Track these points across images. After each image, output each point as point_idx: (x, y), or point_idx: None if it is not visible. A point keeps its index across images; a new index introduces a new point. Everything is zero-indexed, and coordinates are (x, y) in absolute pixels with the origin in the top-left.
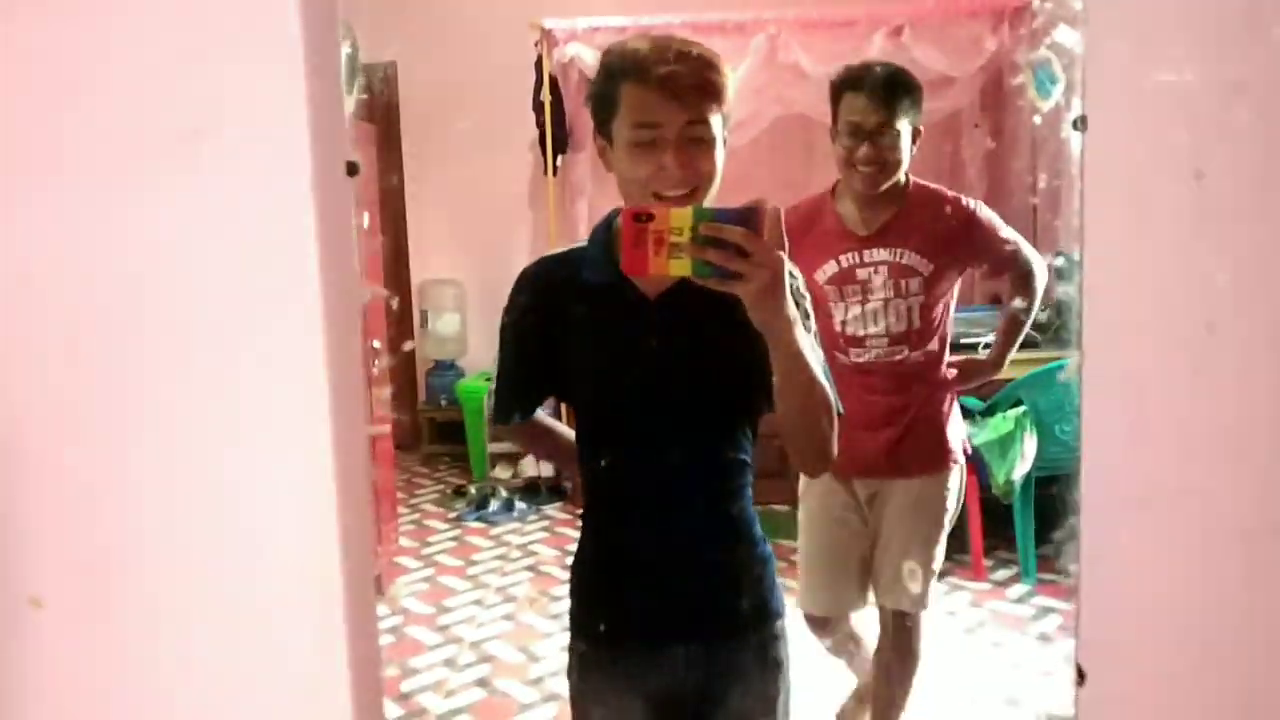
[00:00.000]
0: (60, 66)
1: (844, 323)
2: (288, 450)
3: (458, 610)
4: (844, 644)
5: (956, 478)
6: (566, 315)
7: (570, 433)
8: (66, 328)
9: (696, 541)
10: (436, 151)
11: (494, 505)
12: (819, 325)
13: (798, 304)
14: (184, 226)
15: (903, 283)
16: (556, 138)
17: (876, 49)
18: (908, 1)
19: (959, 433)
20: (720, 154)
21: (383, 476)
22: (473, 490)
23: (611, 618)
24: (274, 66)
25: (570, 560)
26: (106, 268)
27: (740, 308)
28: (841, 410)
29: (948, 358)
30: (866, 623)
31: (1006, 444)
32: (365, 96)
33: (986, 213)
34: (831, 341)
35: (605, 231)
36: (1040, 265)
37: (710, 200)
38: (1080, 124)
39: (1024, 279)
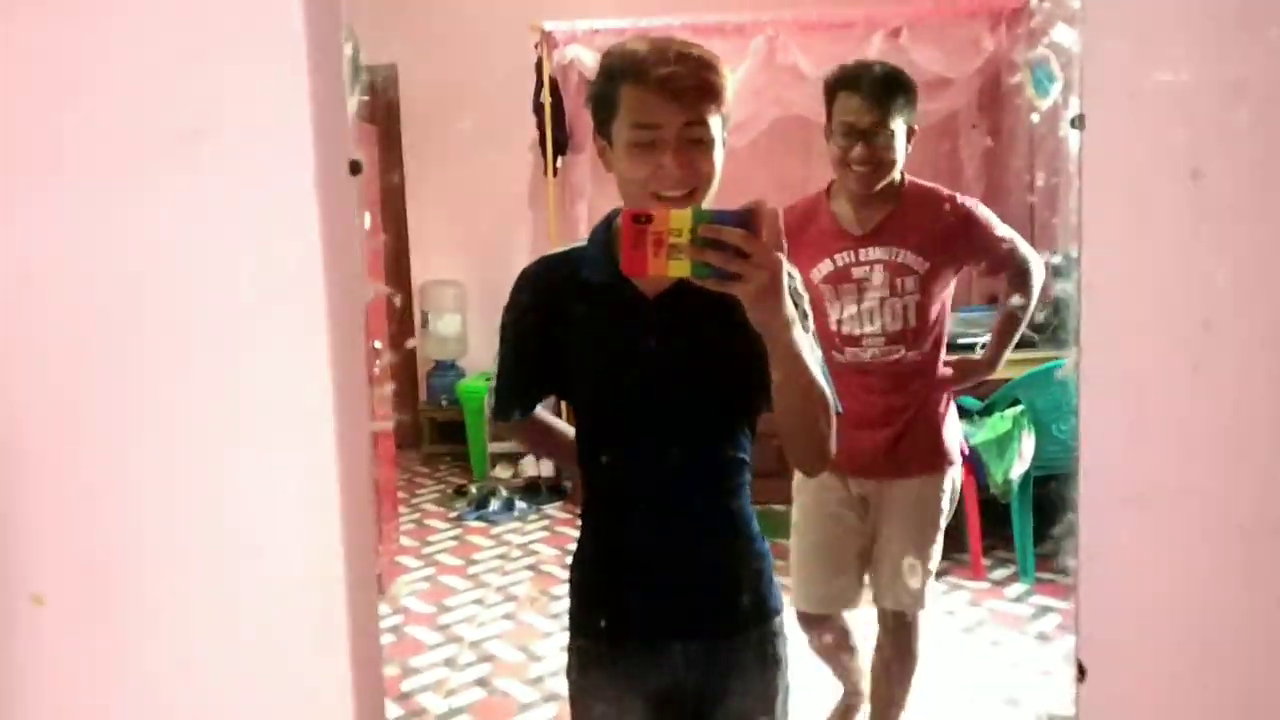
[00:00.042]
0: (62, 66)
1: (840, 322)
2: (290, 449)
3: (458, 610)
4: (837, 648)
5: (952, 478)
6: (566, 314)
7: (570, 430)
8: (68, 326)
9: (695, 539)
10: (437, 153)
11: (494, 505)
12: (815, 325)
13: (796, 304)
14: (187, 225)
15: (898, 281)
16: (556, 139)
17: (875, 50)
18: (906, 3)
19: (955, 433)
20: (719, 155)
21: (384, 476)
22: (473, 490)
23: (611, 615)
24: (277, 65)
25: (570, 559)
26: (108, 267)
27: (739, 308)
28: (840, 410)
29: (944, 357)
30: (861, 632)
31: (1004, 443)
32: (366, 98)
33: (983, 211)
34: (828, 341)
35: (605, 231)
36: (1037, 263)
37: (709, 201)
38: (1078, 123)
39: (1021, 277)
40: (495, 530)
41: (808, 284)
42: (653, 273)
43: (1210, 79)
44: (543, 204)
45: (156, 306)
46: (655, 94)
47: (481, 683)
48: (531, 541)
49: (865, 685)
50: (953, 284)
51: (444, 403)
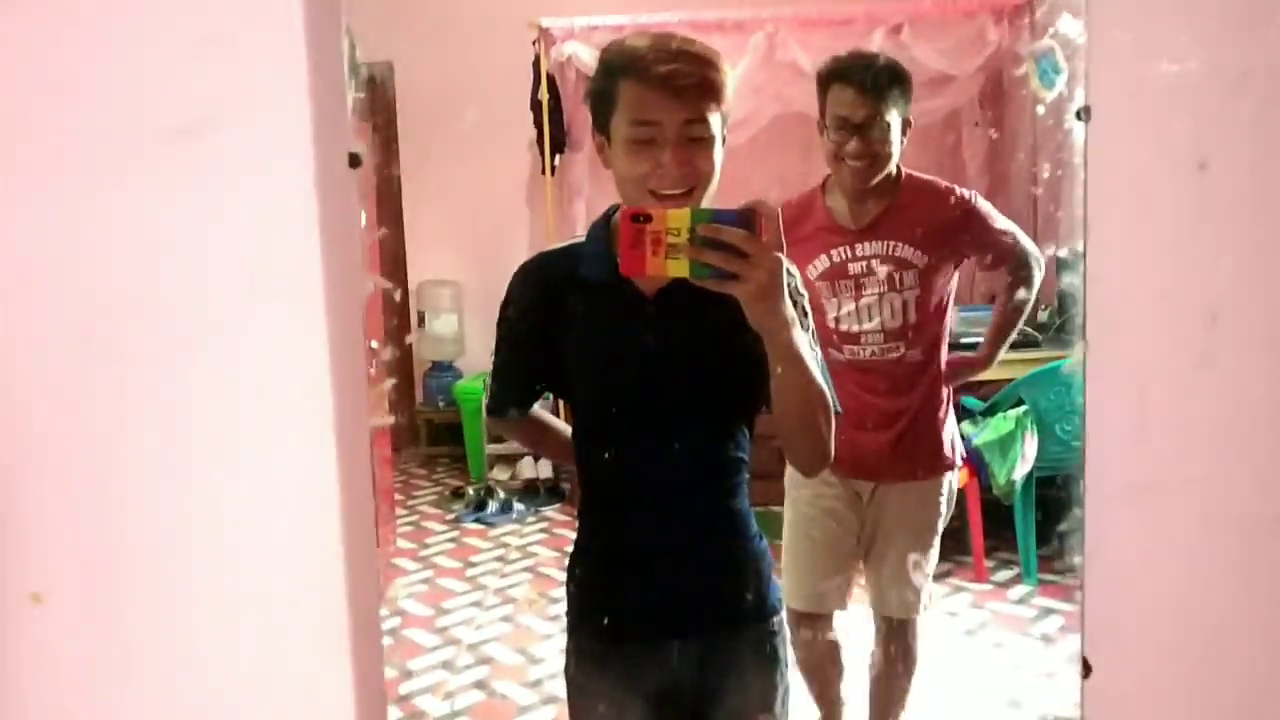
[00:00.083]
0: (62, 61)
1: (837, 319)
2: (290, 444)
3: (456, 612)
4: (823, 660)
5: (949, 482)
6: (564, 311)
7: (566, 429)
8: (67, 323)
9: (693, 537)
10: (434, 151)
11: (492, 507)
12: (813, 322)
13: (795, 303)
14: (186, 220)
15: (897, 276)
16: (554, 137)
17: (875, 47)
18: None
19: (955, 436)
20: (719, 153)
21: (380, 477)
22: (471, 492)
23: (609, 614)
24: (276, 58)
25: (568, 560)
26: (108, 262)
27: (739, 306)
28: (839, 409)
29: (945, 356)
30: (851, 649)
31: (1007, 444)
32: (362, 95)
33: (982, 203)
34: (826, 338)
35: (604, 228)
36: (1038, 256)
37: (708, 199)
38: (1084, 114)
39: (1021, 270)
40: (493, 532)
41: (804, 281)
42: (651, 272)
43: (1216, 70)
44: (540, 202)
45: (155, 302)
46: (655, 91)
47: (480, 685)
48: (530, 544)
49: (843, 716)
50: (954, 279)
51: (441, 404)
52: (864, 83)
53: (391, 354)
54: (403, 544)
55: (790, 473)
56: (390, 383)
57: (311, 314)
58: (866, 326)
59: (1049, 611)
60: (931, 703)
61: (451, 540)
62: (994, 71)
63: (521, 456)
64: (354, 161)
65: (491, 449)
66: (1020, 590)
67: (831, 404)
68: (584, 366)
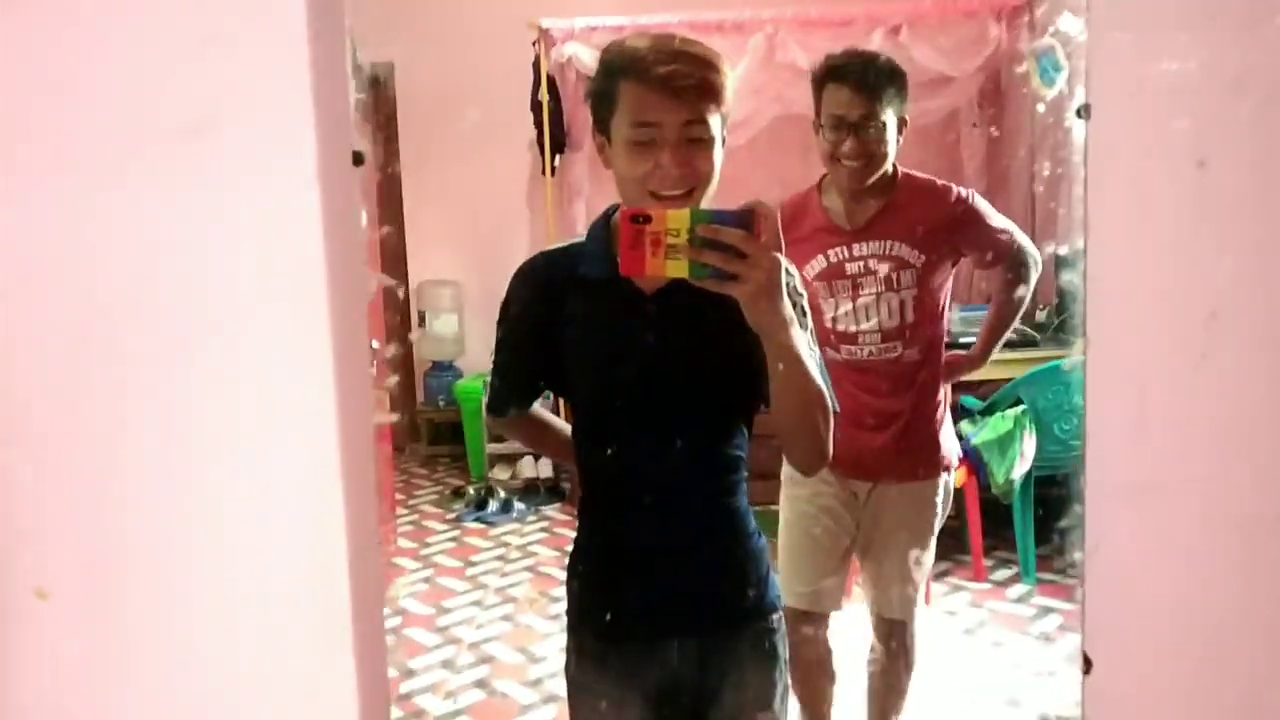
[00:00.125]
0: (62, 60)
1: (834, 319)
2: (293, 443)
3: (457, 611)
4: (815, 667)
5: (946, 483)
6: (564, 309)
7: (566, 428)
8: (70, 321)
9: (693, 536)
10: (434, 152)
11: (493, 506)
12: (811, 321)
13: (794, 302)
14: (188, 218)
15: (894, 276)
16: (554, 138)
17: (875, 48)
18: (906, 0)
19: (952, 438)
20: (719, 154)
21: (381, 477)
22: (471, 491)
23: (609, 613)
24: (278, 56)
25: (568, 558)
26: (109, 262)
27: (738, 306)
28: (838, 408)
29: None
30: (846, 653)
31: (1006, 443)
32: (363, 96)
33: (979, 201)
34: (823, 338)
35: (604, 227)
36: (1035, 254)
37: (708, 200)
38: (1084, 112)
39: (1018, 268)
40: (494, 532)
41: (801, 281)
42: (650, 273)
43: (1216, 69)
44: (540, 203)
45: (157, 300)
46: (655, 92)
47: (481, 684)
48: (530, 543)
49: None
50: (951, 278)
51: (441, 404)
52: (859, 82)
53: (395, 350)
54: (403, 543)
55: (788, 471)
56: (394, 380)
57: (315, 311)
58: (864, 326)
59: (1048, 610)
60: (931, 702)
61: (452, 539)
62: (992, 72)
63: (522, 456)
64: (357, 159)
65: (492, 448)
66: (1019, 589)
67: (830, 403)
68: (584, 365)
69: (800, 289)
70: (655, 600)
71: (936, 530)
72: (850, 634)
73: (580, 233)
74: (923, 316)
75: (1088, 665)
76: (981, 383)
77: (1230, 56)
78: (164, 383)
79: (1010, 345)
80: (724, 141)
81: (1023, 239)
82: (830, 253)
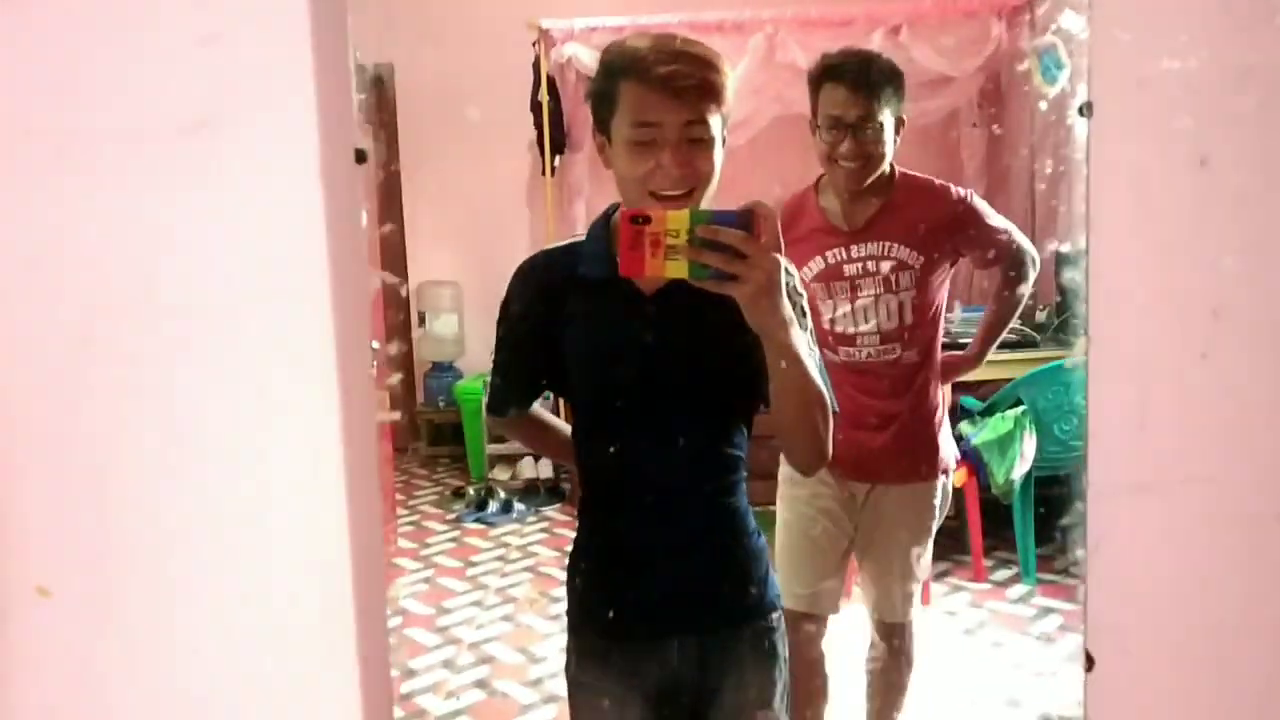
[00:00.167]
0: (64, 58)
1: (833, 320)
2: (295, 441)
3: (457, 611)
4: (807, 674)
5: (943, 485)
6: (564, 308)
7: (566, 428)
8: (75, 316)
9: (693, 535)
10: (434, 152)
11: (493, 506)
12: (810, 322)
13: (794, 302)
14: (191, 215)
15: (893, 277)
16: (554, 138)
17: (874, 47)
18: (906, 0)
19: (950, 440)
20: (719, 154)
21: (382, 477)
22: (471, 491)
23: (608, 610)
24: (281, 54)
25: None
26: (114, 256)
27: (737, 306)
28: (837, 408)
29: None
30: (840, 659)
31: (1006, 443)
32: (363, 96)
33: (978, 201)
34: (821, 340)
35: (604, 226)
36: (1033, 254)
37: (708, 200)
38: (1086, 110)
39: (1017, 268)
40: (494, 532)
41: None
42: (650, 274)
43: (1218, 66)
44: (540, 203)
45: (161, 296)
46: (656, 92)
47: (481, 684)
48: (530, 543)
49: None
50: (949, 279)
51: (441, 404)
52: (856, 81)
53: (397, 349)
54: (403, 544)
55: (786, 472)
56: (397, 378)
57: (317, 310)
58: (863, 328)
59: (1048, 611)
60: (930, 702)
61: (452, 540)
62: (993, 72)
63: (522, 456)
64: (360, 157)
65: (492, 449)
66: (1019, 589)
67: (830, 403)
68: (584, 365)
69: (800, 289)
70: (655, 599)
71: (934, 532)
72: (849, 636)
73: (580, 233)
74: (921, 318)
75: (1090, 663)
76: (981, 383)
77: (1232, 54)
78: (165, 382)
79: (1010, 345)
80: (724, 141)
81: (1021, 239)
82: (828, 254)
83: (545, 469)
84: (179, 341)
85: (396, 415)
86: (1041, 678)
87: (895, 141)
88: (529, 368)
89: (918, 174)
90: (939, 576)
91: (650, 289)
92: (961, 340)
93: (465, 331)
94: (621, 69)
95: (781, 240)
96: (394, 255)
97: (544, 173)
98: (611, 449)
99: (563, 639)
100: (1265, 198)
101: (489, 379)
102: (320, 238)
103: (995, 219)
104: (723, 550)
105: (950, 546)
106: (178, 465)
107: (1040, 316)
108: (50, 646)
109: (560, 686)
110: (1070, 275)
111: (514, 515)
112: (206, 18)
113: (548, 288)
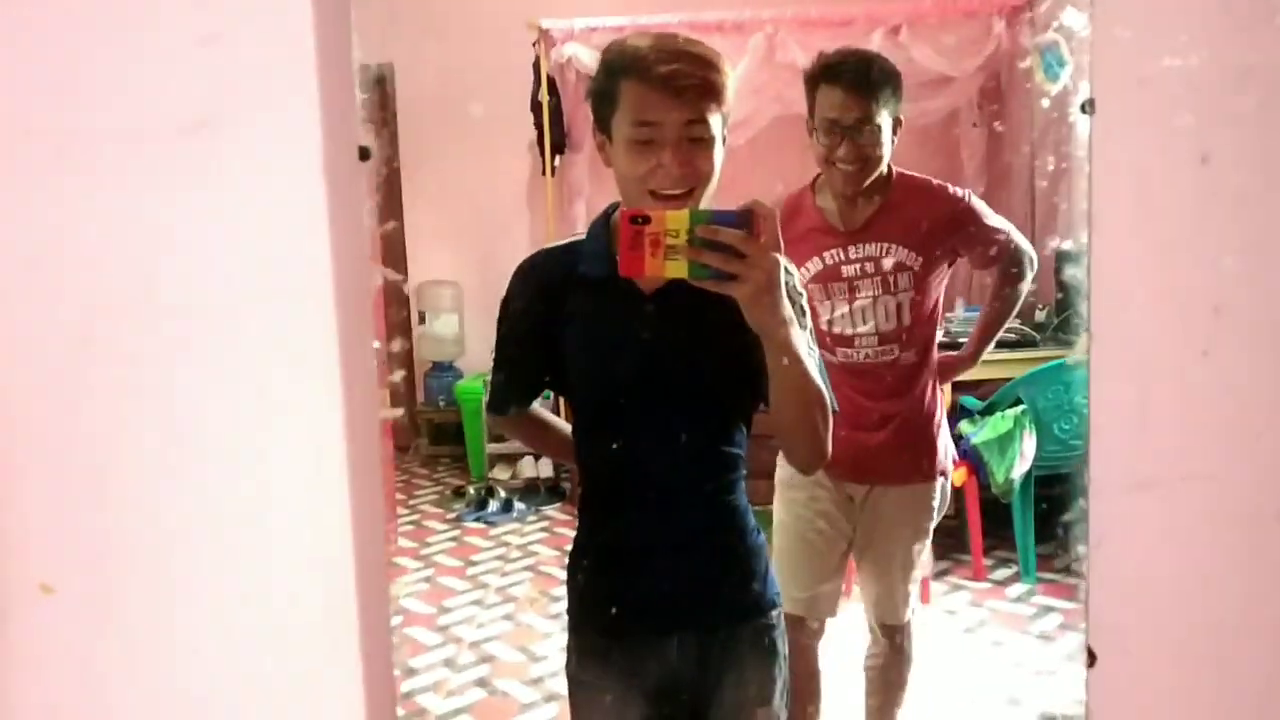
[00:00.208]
0: (64, 57)
1: (830, 322)
2: (298, 439)
3: (457, 610)
4: (801, 681)
5: (941, 486)
6: (564, 307)
7: (566, 427)
8: (76, 316)
9: (693, 533)
10: (434, 152)
11: (493, 506)
12: (810, 321)
13: (794, 302)
14: (193, 214)
15: (891, 279)
16: (554, 138)
17: (874, 47)
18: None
19: (948, 441)
20: (719, 154)
21: (382, 476)
22: (472, 491)
23: (609, 608)
24: (284, 51)
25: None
26: (115, 256)
27: (737, 305)
28: (837, 408)
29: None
30: (836, 664)
31: (1005, 443)
32: (366, 95)
33: (976, 201)
34: (819, 341)
35: (604, 225)
36: (1031, 254)
37: (708, 200)
38: (1088, 107)
39: (1014, 267)
40: (494, 531)
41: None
42: (649, 274)
43: (1220, 64)
44: (540, 203)
45: (162, 296)
46: (657, 91)
47: (481, 683)
48: (530, 542)
49: None
50: (946, 279)
51: (441, 404)
52: (853, 83)
53: (400, 346)
54: (404, 543)
55: (783, 474)
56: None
57: (320, 307)
58: (861, 329)
59: (1048, 609)
60: (930, 701)
61: (452, 539)
62: (993, 72)
63: (522, 456)
64: (363, 155)
65: (492, 448)
66: (1019, 588)
67: (829, 403)
68: (583, 364)
69: (799, 288)
70: (656, 597)
71: (931, 533)
72: (848, 636)
73: (580, 232)
74: (919, 318)
75: (1092, 659)
76: (981, 382)
77: (1234, 52)
78: (166, 381)
79: (1010, 345)
80: (724, 141)
81: (1019, 238)
82: (826, 255)
83: (545, 468)
84: (180, 341)
85: (399, 412)
86: (1041, 676)
87: (893, 142)
88: (529, 366)
89: (915, 174)
90: (939, 575)
91: (650, 288)
92: (964, 339)
93: (465, 331)
94: (622, 68)
95: (781, 240)
96: (394, 254)
97: (544, 172)
98: (612, 448)
99: (563, 638)
100: (1266, 196)
101: (489, 378)
102: (323, 235)
103: (993, 218)
104: (723, 548)
105: (950, 545)
106: (179, 464)
107: (1040, 316)
108: (51, 645)
109: (561, 685)
110: (1071, 272)
111: (514, 514)
112: (207, 17)
113: (548, 287)
